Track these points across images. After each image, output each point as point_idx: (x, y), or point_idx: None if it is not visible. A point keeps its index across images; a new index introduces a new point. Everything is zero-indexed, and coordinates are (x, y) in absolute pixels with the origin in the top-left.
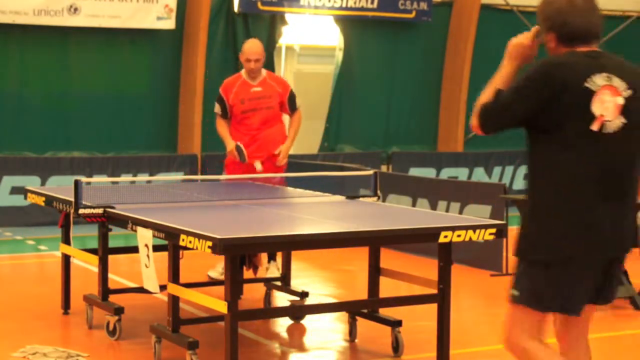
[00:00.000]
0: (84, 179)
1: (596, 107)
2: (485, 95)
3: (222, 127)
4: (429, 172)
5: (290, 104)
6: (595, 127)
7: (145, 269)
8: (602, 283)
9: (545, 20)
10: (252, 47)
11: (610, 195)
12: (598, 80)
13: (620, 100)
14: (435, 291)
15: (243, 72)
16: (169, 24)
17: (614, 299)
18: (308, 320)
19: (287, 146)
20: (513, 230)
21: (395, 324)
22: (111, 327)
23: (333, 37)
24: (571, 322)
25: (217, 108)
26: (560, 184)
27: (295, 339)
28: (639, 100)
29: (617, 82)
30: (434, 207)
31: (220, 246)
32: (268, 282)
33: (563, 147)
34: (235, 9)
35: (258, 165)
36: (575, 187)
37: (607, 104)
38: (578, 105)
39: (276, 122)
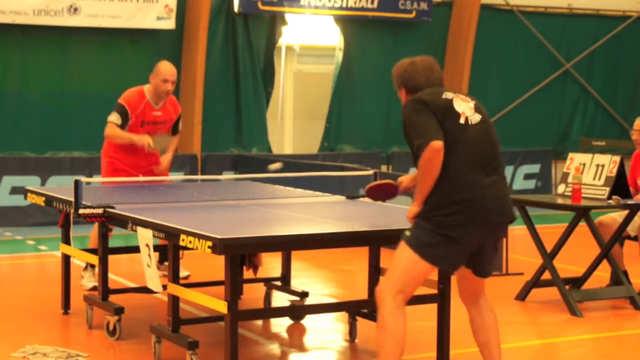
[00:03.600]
0: (84, 179)
1: (457, 107)
2: (415, 145)
3: (118, 130)
4: None
5: (175, 128)
6: (462, 120)
7: (147, 268)
8: (483, 250)
9: (396, 79)
10: (170, 68)
11: (487, 170)
12: (449, 94)
13: (471, 104)
14: (435, 291)
15: (147, 90)
16: (169, 24)
17: (487, 270)
18: (308, 320)
19: (167, 159)
20: (513, 231)
21: None
22: (111, 327)
23: (333, 37)
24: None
25: (116, 118)
26: (450, 164)
27: (295, 339)
28: (480, 105)
29: (462, 96)
30: None
31: (220, 246)
32: (268, 282)
33: (449, 138)
34: (235, 9)
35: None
36: (460, 165)
37: (463, 106)
38: (445, 109)
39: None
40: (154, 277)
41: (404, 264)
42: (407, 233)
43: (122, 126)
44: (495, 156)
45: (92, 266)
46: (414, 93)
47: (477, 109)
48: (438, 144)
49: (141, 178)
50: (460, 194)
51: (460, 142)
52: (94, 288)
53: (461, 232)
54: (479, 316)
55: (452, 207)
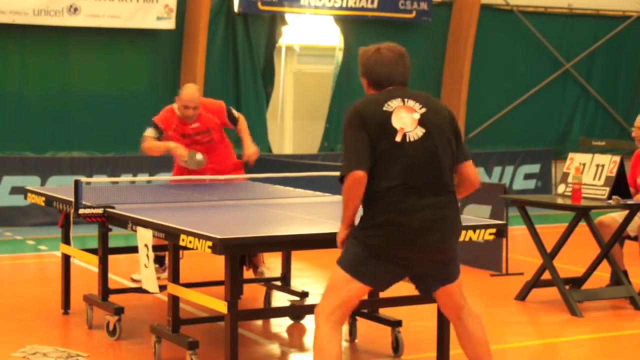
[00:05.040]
0: (84, 179)
1: (395, 122)
2: (342, 168)
3: (154, 141)
4: None
5: (231, 120)
6: (398, 138)
7: (144, 269)
8: (422, 271)
9: (360, 66)
10: (191, 94)
11: (423, 192)
12: (393, 103)
13: (417, 115)
14: None
15: (176, 108)
16: (169, 24)
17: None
18: (308, 320)
19: (248, 146)
20: (513, 231)
21: (395, 324)
22: (111, 327)
23: (333, 37)
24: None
25: (151, 132)
26: (380, 186)
27: (295, 339)
28: (432, 114)
29: (412, 103)
30: None
31: (220, 246)
32: (268, 282)
33: (381, 159)
34: (235, 9)
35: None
36: (389, 187)
37: (405, 119)
38: (382, 126)
39: (222, 148)
40: (150, 278)
41: (337, 284)
42: (340, 255)
43: (159, 139)
44: (436, 176)
45: (159, 263)
46: (375, 87)
47: (422, 122)
48: (358, 175)
49: (207, 177)
50: (387, 216)
51: (393, 162)
52: (134, 281)
53: (390, 254)
54: (464, 330)
55: (378, 229)
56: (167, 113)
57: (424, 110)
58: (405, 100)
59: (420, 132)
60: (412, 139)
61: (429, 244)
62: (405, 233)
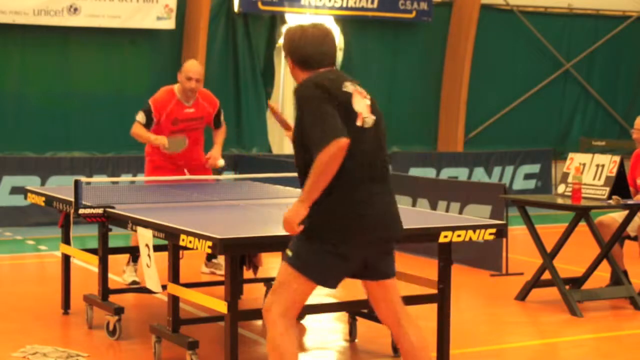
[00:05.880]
0: (84, 179)
1: (356, 106)
2: (315, 139)
3: (141, 129)
4: (429, 172)
5: (217, 121)
6: (359, 122)
7: (146, 268)
8: (372, 260)
9: (284, 46)
10: (194, 66)
11: (376, 182)
12: (349, 86)
13: (368, 102)
14: (435, 291)
15: (176, 89)
16: (169, 24)
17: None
18: (308, 320)
19: (217, 151)
20: (513, 231)
21: None
22: (111, 327)
23: None
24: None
25: (141, 117)
26: (342, 173)
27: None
28: (375, 102)
29: (360, 88)
30: (434, 207)
31: (220, 246)
32: (268, 282)
33: None
34: (235, 9)
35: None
36: (352, 176)
37: (361, 104)
38: (344, 105)
39: (199, 141)
40: (153, 277)
41: (291, 284)
42: (289, 253)
43: (148, 125)
44: (385, 165)
45: (134, 260)
46: (303, 67)
47: (372, 109)
48: (345, 142)
49: (185, 177)
50: (349, 208)
51: (355, 148)
52: (133, 283)
53: (347, 248)
54: (406, 339)
55: (340, 221)
56: (164, 94)
57: (369, 97)
58: (355, 84)
59: (371, 119)
60: (367, 126)
61: (387, 233)
62: (365, 225)
